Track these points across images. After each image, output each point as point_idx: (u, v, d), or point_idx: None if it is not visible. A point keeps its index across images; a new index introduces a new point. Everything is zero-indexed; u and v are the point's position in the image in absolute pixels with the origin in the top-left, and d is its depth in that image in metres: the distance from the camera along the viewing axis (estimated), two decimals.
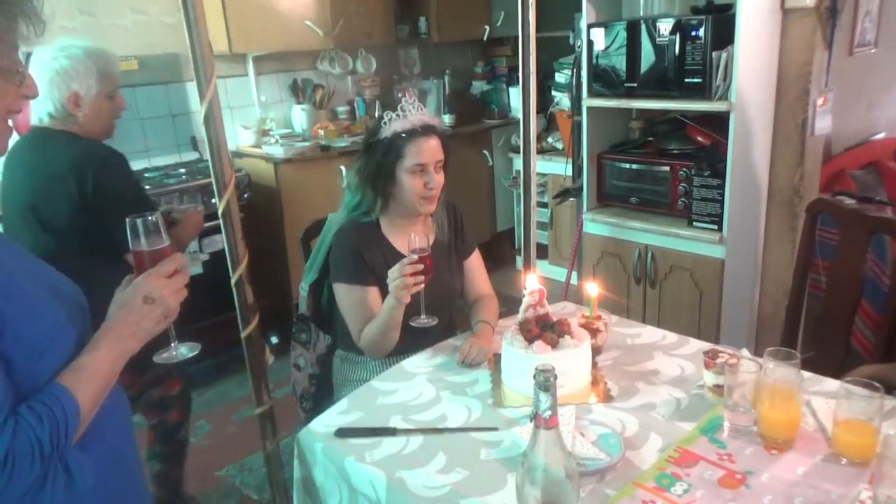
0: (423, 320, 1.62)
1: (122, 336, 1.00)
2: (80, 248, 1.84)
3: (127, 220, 1.09)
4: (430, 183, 1.69)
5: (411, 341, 1.72)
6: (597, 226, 2.91)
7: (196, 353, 1.21)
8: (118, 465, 1.09)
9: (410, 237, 1.53)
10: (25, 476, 0.86)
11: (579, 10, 2.81)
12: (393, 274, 1.54)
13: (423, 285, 1.53)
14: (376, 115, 1.73)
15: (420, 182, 1.68)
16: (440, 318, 1.77)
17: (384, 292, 1.65)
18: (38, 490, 0.89)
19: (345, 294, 1.73)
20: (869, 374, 1.31)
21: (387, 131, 1.67)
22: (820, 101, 2.60)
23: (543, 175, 4.01)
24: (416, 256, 1.51)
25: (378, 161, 1.69)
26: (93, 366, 0.96)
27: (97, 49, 1.90)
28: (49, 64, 1.80)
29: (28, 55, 0.96)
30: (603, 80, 2.74)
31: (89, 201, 1.81)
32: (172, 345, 1.20)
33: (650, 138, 2.94)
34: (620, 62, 2.66)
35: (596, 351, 1.56)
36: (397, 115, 1.68)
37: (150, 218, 1.09)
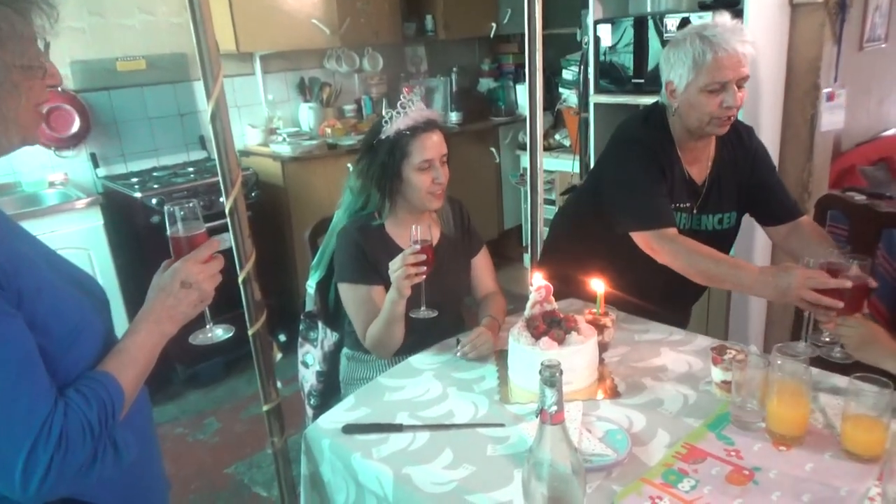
0: (423, 312, 1.62)
1: (160, 319, 1.05)
2: None
3: (165, 206, 1.13)
4: (439, 178, 1.69)
5: (419, 339, 1.72)
6: None
7: (231, 335, 1.24)
8: (148, 438, 1.15)
9: (412, 228, 1.53)
10: (79, 454, 0.90)
11: (586, 6, 2.80)
12: (395, 265, 1.53)
13: (424, 276, 1.53)
14: (383, 112, 1.72)
15: (428, 178, 1.68)
16: (448, 315, 1.76)
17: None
18: (90, 465, 0.93)
19: (349, 293, 1.73)
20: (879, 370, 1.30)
21: (389, 130, 1.67)
22: (829, 97, 2.59)
23: (551, 172, 4.00)
24: (418, 247, 1.51)
25: (383, 161, 1.68)
26: (133, 349, 1.02)
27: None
28: None
29: (48, 45, 0.95)
30: (610, 76, 2.74)
31: None
32: (208, 326, 1.23)
33: None
34: (628, 58, 2.66)
35: (603, 347, 1.56)
36: (398, 113, 1.67)
37: (187, 204, 1.13)
